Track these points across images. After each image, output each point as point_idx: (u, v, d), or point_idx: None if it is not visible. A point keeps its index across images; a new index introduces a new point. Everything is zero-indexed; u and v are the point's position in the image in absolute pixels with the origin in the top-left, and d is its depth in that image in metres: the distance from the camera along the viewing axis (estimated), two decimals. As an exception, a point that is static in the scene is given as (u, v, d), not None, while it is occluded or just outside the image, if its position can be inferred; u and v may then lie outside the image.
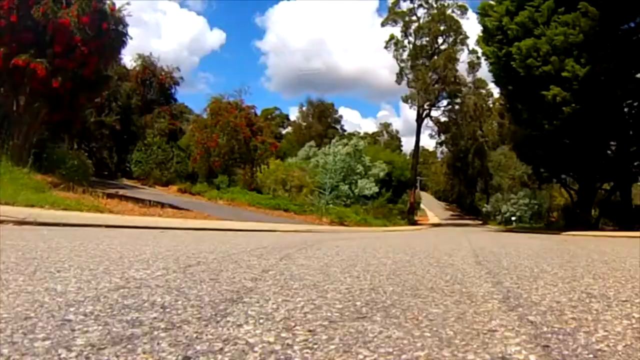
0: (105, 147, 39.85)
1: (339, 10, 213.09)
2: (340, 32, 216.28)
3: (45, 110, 14.77)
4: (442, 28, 57.57)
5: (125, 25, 15.95)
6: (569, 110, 19.09)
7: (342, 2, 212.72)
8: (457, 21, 57.47)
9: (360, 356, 1.27)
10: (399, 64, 58.96)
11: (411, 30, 58.25)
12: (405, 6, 58.73)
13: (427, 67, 56.69)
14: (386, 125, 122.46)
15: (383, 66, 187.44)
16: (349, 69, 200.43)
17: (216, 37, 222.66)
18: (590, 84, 18.54)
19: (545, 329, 1.51)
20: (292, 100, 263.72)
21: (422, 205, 79.11)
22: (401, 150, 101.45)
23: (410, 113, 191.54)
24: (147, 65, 40.53)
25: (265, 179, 29.76)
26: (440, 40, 58.50)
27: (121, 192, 18.10)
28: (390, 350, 1.31)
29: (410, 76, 57.99)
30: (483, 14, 24.58)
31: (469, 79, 60.12)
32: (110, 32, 15.28)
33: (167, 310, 1.74)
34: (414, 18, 58.52)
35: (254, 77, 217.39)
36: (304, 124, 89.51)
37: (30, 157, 13.48)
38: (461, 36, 57.74)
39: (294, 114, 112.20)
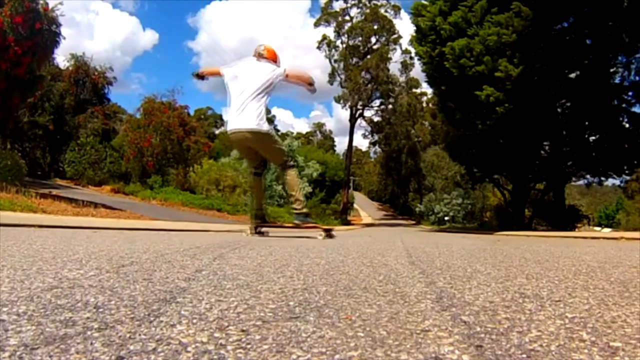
0: (39, 147, 39.37)
1: (271, 11, 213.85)
2: (272, 32, 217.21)
3: (-22, 110, 14.45)
4: (375, 28, 58.20)
5: (59, 25, 15.72)
6: (502, 110, 19.34)
7: (274, 2, 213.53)
8: (390, 21, 58.19)
9: (294, 356, 1.25)
10: (331, 64, 59.53)
11: (344, 30, 58.81)
12: (338, 6, 59.36)
13: (359, 67, 57.21)
14: (319, 125, 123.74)
15: (315, 66, 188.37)
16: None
17: (149, 38, 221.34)
18: (524, 84, 18.79)
19: (478, 328, 1.51)
20: (224, 101, 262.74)
21: (355, 205, 79.80)
22: (334, 150, 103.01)
23: (343, 113, 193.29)
24: (80, 65, 40.24)
25: (198, 179, 29.57)
26: (373, 40, 59.15)
27: (54, 192, 17.82)
28: (324, 350, 1.29)
29: (343, 76, 58.55)
30: (416, 14, 24.70)
31: (402, 79, 60.99)
32: (44, 32, 15.03)
33: (100, 310, 1.68)
34: (347, 18, 59.12)
35: (187, 77, 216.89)
36: None
37: (-38, 157, 13.16)
38: (394, 36, 58.51)
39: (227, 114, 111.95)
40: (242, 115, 6.76)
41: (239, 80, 6.96)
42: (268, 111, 8.33)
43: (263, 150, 7.22)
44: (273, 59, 7.42)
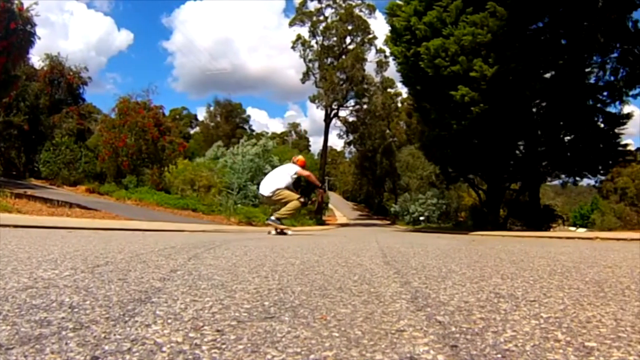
0: (14, 147, 38.99)
1: (246, 11, 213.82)
2: (247, 32, 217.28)
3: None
4: (349, 28, 58.56)
5: (34, 25, 15.60)
6: (477, 110, 19.38)
7: (249, 3, 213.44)
8: (365, 21, 58.54)
9: (269, 356, 1.25)
10: (306, 64, 59.88)
11: (319, 30, 59.01)
12: (312, 6, 59.58)
13: (334, 67, 57.36)
14: (294, 125, 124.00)
15: (290, 66, 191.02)
16: (255, 69, 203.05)
17: (124, 38, 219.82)
18: (499, 84, 18.84)
19: (453, 328, 1.51)
20: (199, 101, 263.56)
21: (330, 206, 79.95)
22: (309, 150, 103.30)
23: (318, 113, 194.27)
24: (55, 65, 39.96)
25: (173, 179, 29.41)
26: (348, 40, 59.53)
27: (29, 192, 17.70)
28: (299, 350, 1.30)
29: (317, 76, 58.80)
30: (391, 13, 24.71)
31: (377, 79, 61.41)
32: (19, 32, 14.91)
33: (75, 310, 1.69)
34: (322, 18, 59.38)
35: (161, 78, 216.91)
36: (212, 124, 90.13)
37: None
38: (369, 36, 58.89)
39: (201, 114, 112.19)
40: (262, 184, 11.63)
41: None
42: (289, 185, 11.59)
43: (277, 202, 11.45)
44: (301, 165, 12.14)
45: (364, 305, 1.86)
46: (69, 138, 35.46)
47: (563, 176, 25.83)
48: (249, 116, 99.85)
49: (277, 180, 11.34)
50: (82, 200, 19.33)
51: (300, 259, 3.68)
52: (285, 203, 11.21)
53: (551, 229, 26.05)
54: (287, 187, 11.31)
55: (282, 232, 11.09)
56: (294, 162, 12.10)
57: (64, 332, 1.41)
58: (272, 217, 11.13)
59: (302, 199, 11.64)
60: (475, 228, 23.88)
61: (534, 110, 23.77)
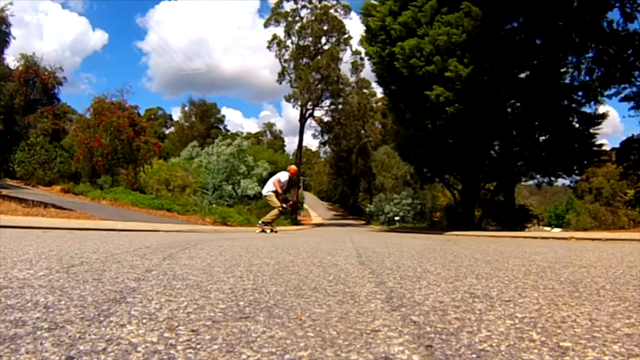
0: (-12, 147, 38.12)
1: (220, 11, 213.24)
2: (221, 33, 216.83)
3: None
4: (325, 28, 58.38)
5: (9, 25, 15.42)
6: (452, 110, 19.38)
7: (223, 3, 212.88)
8: (341, 21, 58.43)
9: (244, 356, 1.25)
10: (281, 64, 59.51)
11: (294, 30, 58.82)
12: (288, 6, 59.31)
13: (310, 67, 57.29)
14: (269, 125, 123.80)
15: (265, 66, 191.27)
16: (230, 69, 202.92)
17: (98, 38, 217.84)
18: (474, 84, 18.87)
19: (428, 328, 1.51)
20: (174, 101, 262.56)
21: (305, 205, 79.95)
22: (284, 150, 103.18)
23: (293, 113, 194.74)
24: (31, 65, 39.69)
25: (148, 179, 29.41)
26: (323, 40, 59.29)
27: (4, 192, 17.68)
28: (274, 350, 1.30)
29: (293, 76, 58.60)
30: (366, 14, 24.71)
31: (352, 79, 61.24)
32: (-6, 32, 14.68)
33: (50, 310, 1.68)
34: (297, 18, 59.11)
35: (136, 78, 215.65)
36: (187, 124, 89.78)
37: None
38: (344, 36, 58.77)
39: (176, 114, 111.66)
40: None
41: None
42: (276, 191, 14.86)
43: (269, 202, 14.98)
44: (292, 173, 15.89)
45: (339, 305, 1.86)
46: (44, 138, 35.25)
47: (538, 176, 26.03)
48: (223, 116, 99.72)
49: (269, 184, 15.31)
50: (57, 200, 19.21)
51: (275, 259, 3.69)
52: (271, 207, 15.19)
53: (526, 229, 26.21)
54: (275, 192, 15.05)
55: (263, 231, 14.43)
56: (287, 170, 15.88)
57: (39, 332, 1.40)
58: (260, 221, 15.22)
59: (281, 208, 15.17)
60: (450, 228, 23.96)
61: (509, 110, 23.90)
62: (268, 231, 14.61)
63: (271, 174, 21.87)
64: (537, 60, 20.57)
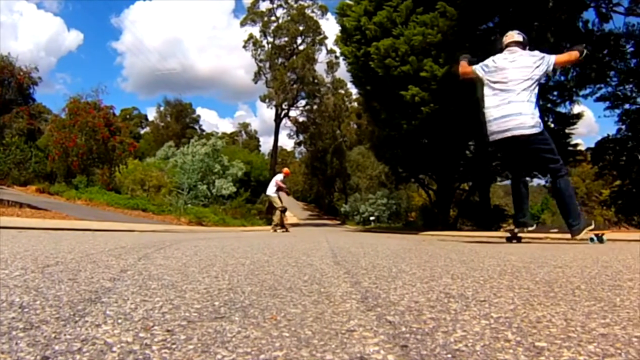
0: (-37, 147, 37.98)
1: (195, 11, 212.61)
2: (196, 33, 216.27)
3: None
4: (301, 28, 58.75)
5: (-17, 25, 15.22)
6: (427, 110, 19.50)
7: (198, 3, 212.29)
8: (316, 21, 58.97)
9: (219, 356, 1.24)
10: (257, 64, 60.13)
11: (270, 30, 59.21)
12: (264, 6, 59.68)
13: (285, 67, 57.52)
14: (244, 125, 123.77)
15: (240, 66, 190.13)
16: (205, 69, 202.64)
17: (73, 38, 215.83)
18: (449, 84, 18.70)
19: (403, 328, 1.51)
20: (149, 101, 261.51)
21: (281, 205, 79.89)
22: (260, 150, 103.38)
23: (268, 113, 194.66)
24: (6, 65, 39.60)
25: (123, 179, 29.43)
26: (299, 40, 59.80)
27: None
28: (249, 350, 1.28)
29: (268, 76, 59.02)
30: (341, 14, 24.78)
31: (327, 79, 61.66)
32: (-32, 32, 14.54)
33: (26, 310, 1.66)
34: (273, 18, 59.60)
35: (111, 78, 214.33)
36: (162, 124, 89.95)
37: None
38: (320, 36, 59.33)
39: (152, 114, 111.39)
40: None
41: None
42: (279, 192, 17.39)
43: None
44: (284, 174, 18.80)
45: (314, 305, 1.85)
46: (19, 138, 35.24)
47: (513, 176, 26.19)
48: (199, 116, 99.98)
49: (272, 186, 18.42)
50: (33, 200, 19.22)
51: (250, 258, 3.68)
52: (273, 206, 18.47)
53: (501, 229, 26.37)
54: (276, 193, 18.45)
55: (275, 230, 16.38)
56: (281, 172, 19.47)
57: (14, 332, 1.39)
58: (271, 229, 17.85)
59: (281, 209, 18.45)
60: (425, 228, 23.99)
61: (485, 110, 24.05)
62: (279, 230, 17.46)
63: (246, 174, 23.45)
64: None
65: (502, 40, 7.26)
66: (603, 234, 6.60)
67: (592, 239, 6.39)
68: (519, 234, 7.52)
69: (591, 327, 1.53)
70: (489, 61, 7.16)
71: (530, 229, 7.26)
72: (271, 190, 18.57)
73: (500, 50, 7.15)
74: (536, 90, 6.73)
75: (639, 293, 2.11)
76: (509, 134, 6.69)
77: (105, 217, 17.21)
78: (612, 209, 31.73)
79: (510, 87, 6.70)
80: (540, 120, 6.64)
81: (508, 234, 7.78)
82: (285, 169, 20.21)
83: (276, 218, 18.54)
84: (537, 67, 6.69)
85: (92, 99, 32.17)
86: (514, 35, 7.15)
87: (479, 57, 7.50)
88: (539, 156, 6.87)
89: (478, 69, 7.30)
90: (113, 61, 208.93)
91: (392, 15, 20.95)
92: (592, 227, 6.57)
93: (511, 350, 1.30)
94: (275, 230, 17.59)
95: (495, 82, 6.96)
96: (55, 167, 30.52)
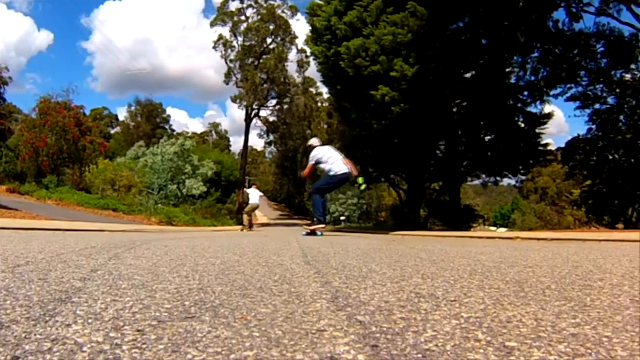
0: None
1: (165, 11, 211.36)
2: (166, 33, 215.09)
3: None
4: (271, 28, 58.54)
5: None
6: (398, 110, 19.60)
7: (168, 3, 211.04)
8: (287, 21, 58.81)
9: (189, 356, 1.23)
10: (227, 64, 59.74)
11: (240, 31, 59.03)
12: (234, 6, 59.40)
13: (256, 68, 57.39)
14: (215, 125, 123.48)
15: (210, 66, 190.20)
16: (175, 69, 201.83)
17: (44, 38, 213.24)
18: (419, 83, 19.03)
19: (374, 328, 1.51)
20: (119, 101, 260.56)
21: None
22: (230, 150, 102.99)
23: (238, 113, 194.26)
24: None
25: (94, 179, 29.30)
26: (269, 41, 59.53)
27: None
28: (219, 350, 1.28)
29: (239, 76, 58.70)
30: (312, 14, 25.03)
31: (298, 79, 61.53)
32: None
33: None
34: (243, 18, 59.30)
35: (81, 78, 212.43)
36: (133, 124, 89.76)
37: None
38: (290, 36, 59.15)
39: (122, 115, 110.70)
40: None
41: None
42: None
43: None
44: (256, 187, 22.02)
45: (284, 305, 1.85)
46: (-10, 138, 34.64)
47: (484, 176, 26.39)
48: (169, 116, 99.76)
49: (257, 197, 21.16)
50: (3, 200, 19.01)
51: (221, 259, 3.67)
52: (248, 209, 21.46)
53: (472, 229, 26.53)
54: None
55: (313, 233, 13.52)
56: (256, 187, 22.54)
57: (-16, 332, 1.37)
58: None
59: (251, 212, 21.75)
60: (395, 228, 23.98)
61: (455, 110, 24.29)
62: (247, 230, 19.06)
63: (217, 174, 25.25)
64: (483, 60, 20.95)
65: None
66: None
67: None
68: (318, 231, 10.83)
69: (562, 327, 1.54)
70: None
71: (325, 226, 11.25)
72: (258, 200, 21.20)
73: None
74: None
75: (610, 293, 2.13)
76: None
77: (75, 217, 17.12)
78: (583, 209, 32.11)
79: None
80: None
81: (309, 230, 11.08)
82: (256, 185, 24.29)
83: (247, 220, 21.20)
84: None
85: (62, 99, 32.01)
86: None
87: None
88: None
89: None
90: (83, 61, 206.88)
91: (362, 15, 21.09)
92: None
93: (482, 350, 1.30)
94: (246, 230, 19.18)
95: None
96: (26, 167, 30.35)
